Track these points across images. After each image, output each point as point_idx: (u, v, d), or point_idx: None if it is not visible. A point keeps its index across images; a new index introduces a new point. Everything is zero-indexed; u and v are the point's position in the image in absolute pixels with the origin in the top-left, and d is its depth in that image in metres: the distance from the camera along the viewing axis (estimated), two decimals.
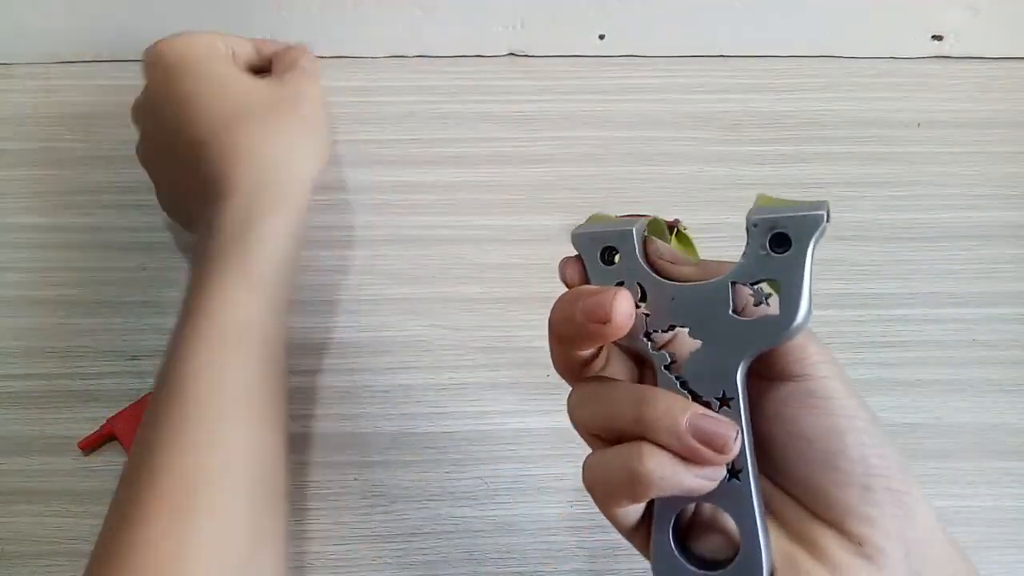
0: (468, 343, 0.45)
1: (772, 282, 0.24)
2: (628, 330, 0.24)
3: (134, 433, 0.34)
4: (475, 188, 0.51)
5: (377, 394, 0.43)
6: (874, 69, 0.57)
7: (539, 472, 0.41)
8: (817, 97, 0.56)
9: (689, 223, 0.49)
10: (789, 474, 0.25)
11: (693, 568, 0.25)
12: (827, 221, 0.24)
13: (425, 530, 0.40)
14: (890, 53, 0.58)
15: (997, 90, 0.56)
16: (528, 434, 0.42)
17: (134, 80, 0.56)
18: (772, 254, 0.24)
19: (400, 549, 0.39)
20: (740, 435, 0.24)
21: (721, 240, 0.48)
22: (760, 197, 0.26)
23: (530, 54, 0.57)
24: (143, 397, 0.42)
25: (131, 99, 0.55)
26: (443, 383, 0.44)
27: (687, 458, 0.24)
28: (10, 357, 0.44)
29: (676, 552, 0.26)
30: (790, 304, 0.24)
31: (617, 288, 0.25)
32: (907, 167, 0.52)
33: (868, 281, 0.48)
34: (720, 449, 0.24)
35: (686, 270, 0.26)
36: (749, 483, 0.25)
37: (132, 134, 0.53)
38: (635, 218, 0.28)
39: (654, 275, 0.26)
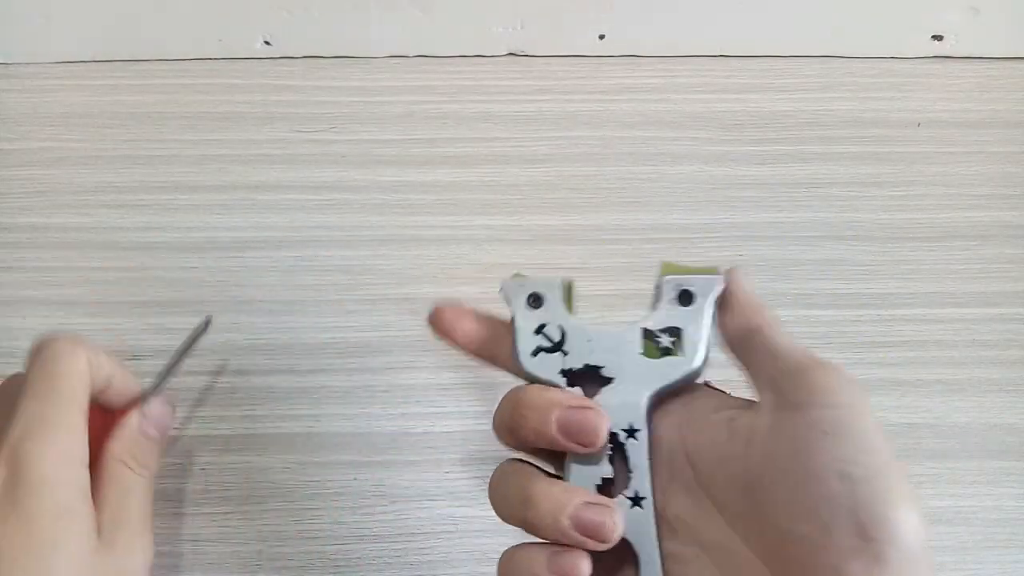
0: None
1: (675, 331, 0.28)
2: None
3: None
4: (475, 188, 0.51)
5: (377, 394, 0.43)
6: (874, 69, 0.57)
7: None
8: (817, 97, 0.56)
9: (688, 223, 0.49)
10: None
11: None
12: (724, 286, 0.28)
13: (425, 530, 0.40)
14: (890, 53, 0.58)
15: (997, 90, 0.56)
16: None
17: (134, 80, 0.56)
18: (679, 307, 0.28)
19: (400, 549, 0.39)
20: (620, 514, 0.25)
21: (720, 240, 0.48)
22: (664, 265, 0.30)
23: (530, 54, 0.57)
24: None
25: (131, 99, 0.55)
26: (443, 383, 0.44)
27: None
28: (10, 357, 0.44)
29: None
30: (691, 349, 0.28)
31: (594, 406, 0.27)
32: (907, 167, 0.52)
33: (868, 281, 0.48)
34: (603, 539, 0.25)
35: None
36: (651, 510, 0.26)
37: (132, 134, 0.53)
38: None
39: (573, 319, 0.29)
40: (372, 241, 0.49)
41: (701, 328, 0.28)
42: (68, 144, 0.52)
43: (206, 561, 0.38)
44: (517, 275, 0.31)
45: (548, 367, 0.28)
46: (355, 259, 0.48)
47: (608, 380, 0.28)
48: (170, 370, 0.39)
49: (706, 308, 0.28)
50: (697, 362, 0.28)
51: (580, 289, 0.47)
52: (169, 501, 0.40)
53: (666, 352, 0.28)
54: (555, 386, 0.28)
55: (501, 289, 0.30)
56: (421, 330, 0.46)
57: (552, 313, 0.29)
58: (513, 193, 0.51)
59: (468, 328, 0.30)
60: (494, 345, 0.30)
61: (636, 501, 0.27)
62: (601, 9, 0.55)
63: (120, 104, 0.54)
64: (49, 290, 0.46)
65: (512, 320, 0.29)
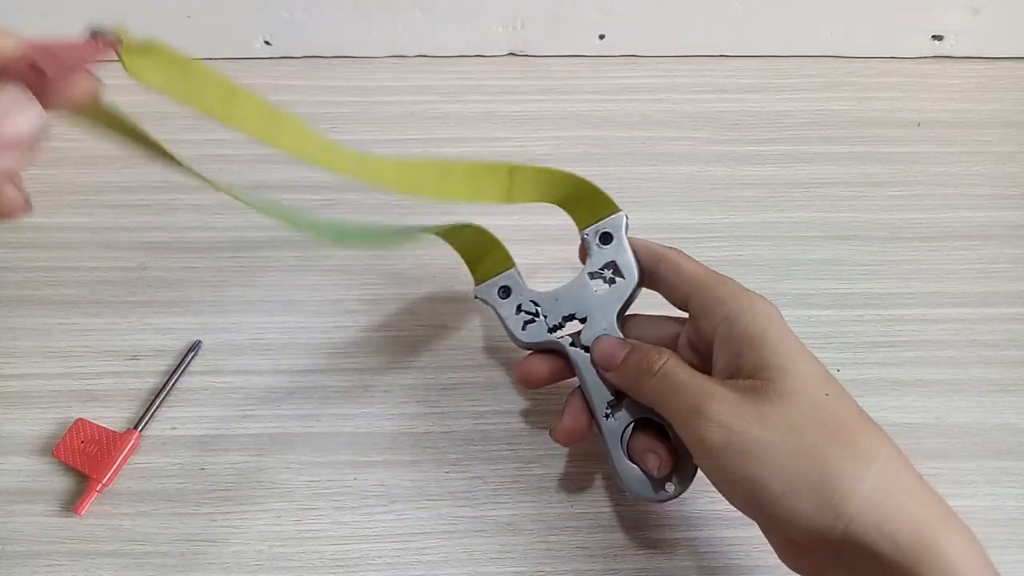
0: (468, 343, 0.45)
1: (610, 264, 0.37)
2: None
3: (78, 456, 0.40)
4: None
5: (377, 394, 0.43)
6: (874, 69, 0.57)
7: (539, 472, 0.41)
8: (817, 97, 0.56)
9: (688, 223, 0.49)
10: None
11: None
12: (627, 216, 0.38)
13: (425, 530, 0.40)
14: (890, 53, 0.58)
15: (997, 90, 0.56)
16: (528, 434, 0.42)
17: (133, 80, 0.56)
18: (605, 247, 0.37)
19: (400, 549, 0.39)
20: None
21: (720, 240, 0.48)
22: (571, 179, 0.39)
23: (530, 54, 0.57)
24: (75, 423, 0.41)
25: (131, 99, 0.55)
26: (443, 383, 0.44)
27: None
28: (10, 357, 0.44)
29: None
30: (628, 272, 0.37)
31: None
32: (907, 167, 0.52)
33: (868, 281, 0.48)
34: None
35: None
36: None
37: None
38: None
39: (539, 292, 0.39)
40: None
41: (627, 254, 0.37)
42: (68, 144, 0.52)
43: (206, 561, 0.38)
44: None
45: (537, 333, 0.38)
46: (355, 259, 0.48)
47: (584, 319, 0.37)
48: (163, 394, 0.42)
49: (624, 239, 0.37)
50: (634, 279, 0.37)
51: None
52: (169, 501, 0.40)
53: (612, 282, 0.37)
54: (552, 344, 0.38)
55: (476, 296, 0.40)
56: (421, 330, 0.46)
57: (519, 294, 0.39)
58: None
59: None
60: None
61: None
62: (601, 9, 0.55)
63: (120, 104, 0.54)
64: (49, 290, 0.46)
65: (497, 315, 0.39)
